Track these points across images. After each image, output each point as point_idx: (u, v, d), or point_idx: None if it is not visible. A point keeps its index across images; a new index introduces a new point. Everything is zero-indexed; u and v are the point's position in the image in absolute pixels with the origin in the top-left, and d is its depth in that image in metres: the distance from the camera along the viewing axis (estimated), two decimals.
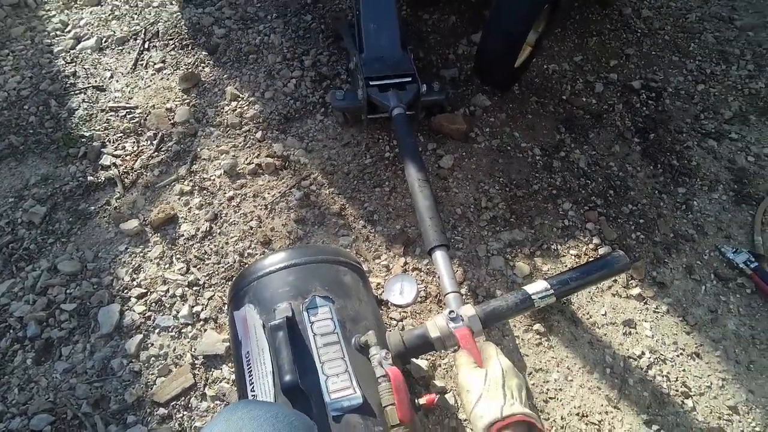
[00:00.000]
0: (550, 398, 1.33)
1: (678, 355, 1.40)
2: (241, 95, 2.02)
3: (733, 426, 1.30)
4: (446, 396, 1.31)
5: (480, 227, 1.65)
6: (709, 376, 1.37)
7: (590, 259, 1.55)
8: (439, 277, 1.30)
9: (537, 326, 1.44)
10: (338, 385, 0.92)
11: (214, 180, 1.78)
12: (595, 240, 1.61)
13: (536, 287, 1.22)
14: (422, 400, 1.14)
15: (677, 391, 1.35)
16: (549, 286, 1.21)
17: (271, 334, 0.94)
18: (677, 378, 1.36)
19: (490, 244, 1.61)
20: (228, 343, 1.39)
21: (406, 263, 1.58)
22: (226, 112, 1.97)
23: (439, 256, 1.33)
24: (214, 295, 1.51)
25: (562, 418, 1.30)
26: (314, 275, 1.11)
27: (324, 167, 1.80)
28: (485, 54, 1.82)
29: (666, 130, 1.94)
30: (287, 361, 0.89)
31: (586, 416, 1.30)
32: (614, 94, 2.07)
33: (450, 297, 1.26)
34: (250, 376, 0.98)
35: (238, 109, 1.97)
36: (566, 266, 1.58)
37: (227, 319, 1.30)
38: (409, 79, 1.79)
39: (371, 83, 1.76)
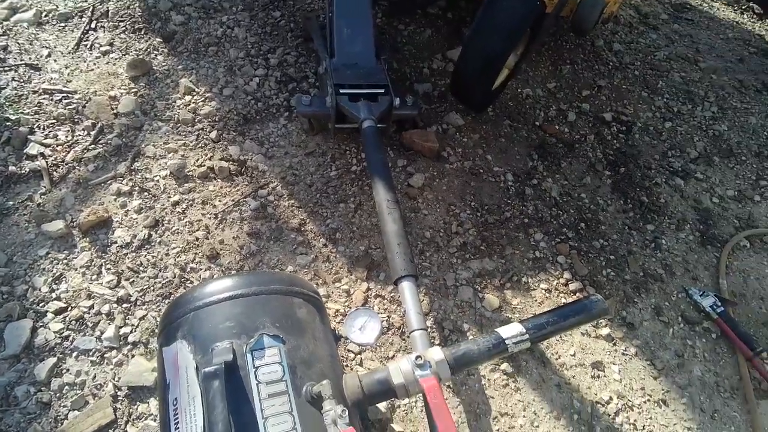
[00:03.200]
0: None
1: (645, 401, 1.35)
2: (196, 89, 1.83)
3: None
4: None
5: (449, 254, 1.55)
6: (675, 425, 1.33)
7: (565, 301, 1.49)
8: (404, 311, 1.19)
9: (504, 366, 1.35)
10: None
11: (158, 181, 1.58)
12: (567, 275, 1.55)
13: (510, 331, 1.12)
14: None
15: None
16: (524, 330, 1.12)
17: (204, 383, 0.78)
18: (644, 426, 1.31)
19: (459, 273, 1.52)
20: None
21: (368, 289, 1.45)
22: (178, 106, 1.78)
23: (407, 287, 1.21)
24: (147, 314, 1.32)
25: None
26: (264, 309, 0.95)
27: (284, 176, 1.65)
28: (463, 73, 1.74)
29: (636, 164, 1.93)
30: (221, 420, 0.73)
31: None
32: (586, 124, 2.05)
33: (416, 335, 1.14)
34: (176, 427, 0.81)
35: (192, 104, 1.79)
36: (536, 300, 1.50)
37: (156, 349, 1.12)
38: (382, 90, 1.68)
39: (341, 91, 1.63)
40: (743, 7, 3.08)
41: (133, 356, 1.25)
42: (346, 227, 1.56)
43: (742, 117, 2.23)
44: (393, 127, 1.79)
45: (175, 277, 1.39)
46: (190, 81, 1.84)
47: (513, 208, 1.70)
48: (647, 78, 2.34)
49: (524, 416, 1.28)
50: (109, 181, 1.55)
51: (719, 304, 1.51)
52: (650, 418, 1.33)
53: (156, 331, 1.28)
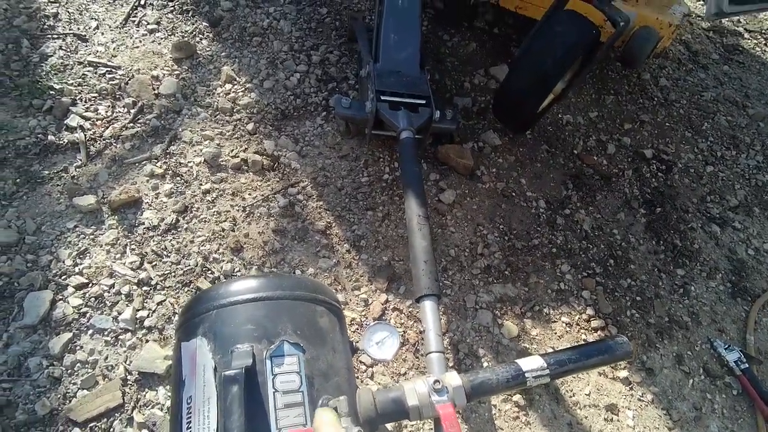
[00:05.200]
0: None
1: None
2: (237, 78, 1.83)
3: None
4: None
5: (472, 275, 1.53)
6: None
7: (585, 337, 1.45)
8: (424, 330, 1.16)
9: (517, 398, 1.32)
10: None
11: (191, 167, 1.58)
12: (590, 311, 1.51)
13: (531, 364, 1.09)
14: None
15: None
16: (545, 365, 1.09)
17: (223, 386, 0.77)
18: None
19: (480, 296, 1.49)
20: (171, 361, 1.20)
21: (387, 301, 1.43)
22: (219, 93, 1.78)
23: (428, 306, 1.18)
24: (165, 300, 1.32)
25: None
26: (287, 314, 0.94)
27: (316, 177, 1.64)
28: (508, 93, 1.71)
29: (672, 206, 1.87)
30: (236, 427, 0.72)
31: None
32: (625, 158, 2.00)
33: (434, 357, 1.12)
34: (188, 426, 0.80)
35: (232, 93, 1.79)
36: (556, 333, 1.47)
37: (174, 342, 1.12)
38: (423, 101, 1.66)
39: (382, 98, 1.62)
40: None
41: (147, 341, 1.25)
42: (371, 235, 1.55)
43: None
44: (430, 139, 1.77)
45: (197, 266, 1.39)
46: (232, 69, 1.85)
47: (542, 236, 1.67)
48: (692, 118, 2.28)
49: None
50: (144, 162, 1.56)
51: (744, 360, 1.46)
52: None
53: (174, 320, 1.28)
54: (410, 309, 1.42)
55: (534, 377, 1.08)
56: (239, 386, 0.76)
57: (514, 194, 1.75)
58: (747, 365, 1.45)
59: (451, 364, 1.34)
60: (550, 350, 1.30)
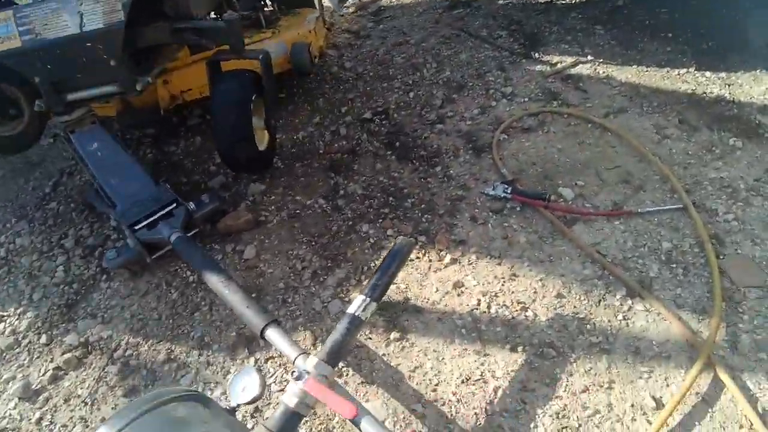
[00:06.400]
0: (436, 385, 1.39)
1: (502, 284, 1.61)
2: (5, 312, 1.78)
3: (565, 304, 1.52)
4: None
5: (306, 287, 1.70)
6: (531, 284, 1.60)
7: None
8: (281, 352, 1.29)
9: (393, 334, 1.51)
10: None
11: (9, 413, 1.50)
12: (399, 238, 1.79)
13: (355, 304, 1.30)
14: None
15: (518, 309, 1.53)
16: (364, 297, 1.30)
17: None
18: (512, 301, 1.55)
19: (322, 295, 1.67)
20: None
21: (257, 360, 1.53)
22: None
23: (272, 333, 1.32)
24: None
25: (454, 393, 1.36)
26: (146, 429, 1.01)
27: (131, 327, 1.68)
28: (227, 153, 1.98)
29: (405, 134, 2.30)
30: None
31: (469, 378, 1.38)
32: (356, 129, 2.40)
33: (299, 359, 1.26)
34: None
35: (9, 328, 1.73)
36: None
37: None
38: (174, 205, 1.82)
39: (136, 228, 1.74)
40: None
41: None
42: (210, 328, 1.63)
43: (455, 58, 2.79)
44: (207, 225, 1.93)
45: None
46: None
47: (336, 222, 1.92)
48: (380, 73, 2.81)
49: (429, 360, 1.44)
50: None
51: (507, 186, 1.86)
52: (512, 293, 1.58)
53: None
54: (276, 351, 1.53)
55: (362, 311, 1.29)
56: None
57: (298, 211, 1.99)
58: (510, 187, 1.86)
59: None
60: None
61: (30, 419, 1.48)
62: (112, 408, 1.47)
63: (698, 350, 1.32)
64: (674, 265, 1.56)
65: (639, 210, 1.74)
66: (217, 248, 1.89)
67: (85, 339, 1.66)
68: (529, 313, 1.51)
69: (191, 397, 1.14)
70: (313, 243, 1.86)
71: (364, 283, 1.69)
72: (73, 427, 1.44)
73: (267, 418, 1.32)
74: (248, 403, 1.21)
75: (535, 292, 1.57)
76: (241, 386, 1.20)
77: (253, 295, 1.69)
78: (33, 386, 1.56)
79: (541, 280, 1.60)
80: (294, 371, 1.13)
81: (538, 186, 1.92)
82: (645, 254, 1.61)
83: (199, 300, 1.72)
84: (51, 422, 1.47)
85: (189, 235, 1.78)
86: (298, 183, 2.14)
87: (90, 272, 1.88)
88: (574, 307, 1.51)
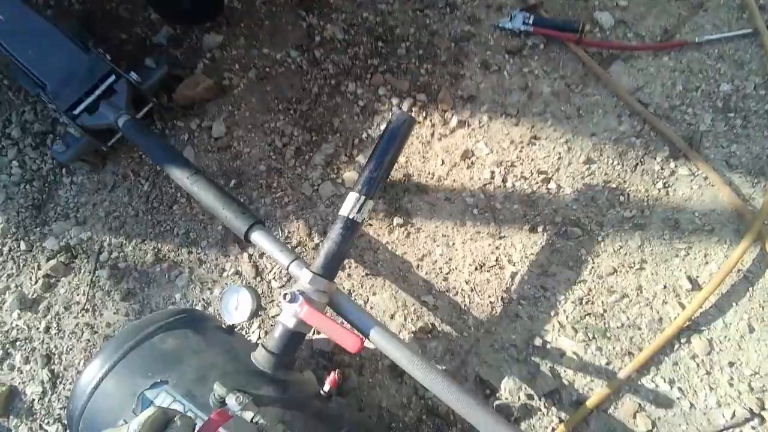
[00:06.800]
0: (447, 274, 1.29)
1: (520, 151, 1.37)
2: None
3: (594, 172, 1.31)
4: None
5: (291, 168, 1.48)
6: (554, 148, 1.35)
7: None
8: (270, 256, 1.16)
9: (396, 219, 1.35)
10: None
11: (14, 324, 1.48)
12: (394, 100, 1.48)
13: (348, 205, 1.10)
14: (326, 386, 1.06)
15: (538, 182, 1.33)
16: (358, 195, 1.10)
17: None
18: (531, 172, 1.34)
19: (310, 176, 1.46)
20: None
21: (251, 256, 1.42)
22: None
23: (257, 236, 1.17)
24: None
25: (467, 282, 1.27)
26: (133, 368, 0.97)
27: (110, 226, 1.53)
28: None
29: None
30: None
31: (483, 264, 1.27)
32: None
33: (293, 266, 1.12)
34: None
35: None
36: None
37: None
38: (113, 77, 1.47)
39: (76, 113, 1.44)
40: None
41: None
42: (194, 223, 1.48)
43: None
44: (164, 98, 1.60)
45: None
46: None
47: (315, 81, 1.58)
48: None
49: (438, 245, 1.31)
50: None
51: (528, 15, 1.45)
52: (531, 160, 1.35)
53: None
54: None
55: (358, 211, 1.10)
56: None
57: (267, 69, 1.63)
58: (532, 15, 1.44)
59: None
60: None
61: (38, 328, 1.47)
62: (114, 313, 1.43)
63: (748, 221, 1.15)
64: (732, 114, 1.28)
65: (696, 39, 1.36)
66: (181, 126, 1.61)
67: (65, 243, 1.54)
68: (552, 185, 1.31)
69: (182, 323, 1.06)
70: (292, 111, 1.56)
71: (357, 158, 1.46)
72: (82, 334, 1.43)
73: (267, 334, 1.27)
74: (237, 323, 1.13)
75: (559, 159, 1.33)
76: (233, 305, 1.11)
77: (233, 182, 1.50)
78: (29, 295, 1.51)
79: (567, 142, 1.35)
80: (286, 295, 1.01)
81: (568, 12, 1.49)
82: (697, 101, 1.31)
83: (174, 191, 1.53)
84: (59, 329, 1.46)
85: (140, 114, 1.49)
86: (262, 29, 1.70)
87: (48, 166, 1.65)
88: (606, 174, 1.29)
